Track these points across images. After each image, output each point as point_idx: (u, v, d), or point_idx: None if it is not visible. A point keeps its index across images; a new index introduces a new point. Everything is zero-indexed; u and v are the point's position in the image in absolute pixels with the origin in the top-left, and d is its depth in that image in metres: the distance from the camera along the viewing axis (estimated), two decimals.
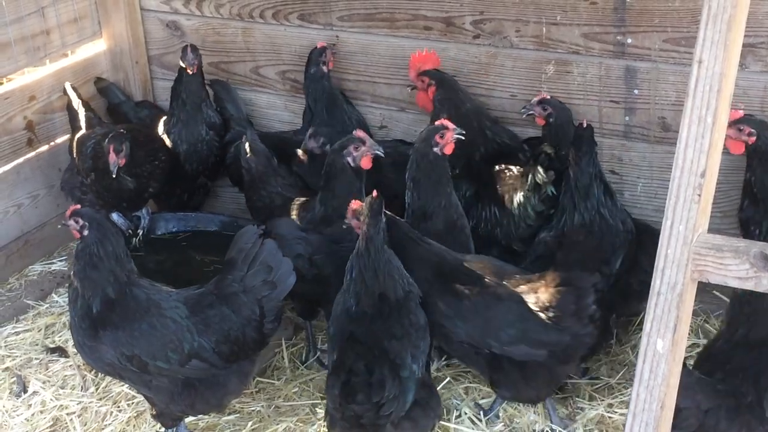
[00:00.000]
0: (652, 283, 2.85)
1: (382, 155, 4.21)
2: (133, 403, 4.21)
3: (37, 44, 5.14)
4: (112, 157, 4.50)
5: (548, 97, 4.44)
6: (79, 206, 3.83)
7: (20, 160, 5.11)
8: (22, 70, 5.32)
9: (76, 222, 3.73)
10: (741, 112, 3.99)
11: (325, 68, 4.92)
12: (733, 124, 3.95)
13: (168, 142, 5.04)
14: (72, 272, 3.75)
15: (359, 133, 4.23)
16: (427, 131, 4.13)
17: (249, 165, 4.57)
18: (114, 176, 4.56)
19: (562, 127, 4.39)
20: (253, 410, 4.17)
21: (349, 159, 4.17)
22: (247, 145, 4.55)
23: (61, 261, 5.25)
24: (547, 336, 3.65)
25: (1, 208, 5.05)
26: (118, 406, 4.22)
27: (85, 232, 3.71)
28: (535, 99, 4.43)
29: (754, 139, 3.97)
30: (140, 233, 4.98)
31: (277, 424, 4.07)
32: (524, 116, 4.50)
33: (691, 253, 2.75)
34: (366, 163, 4.18)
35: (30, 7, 5.07)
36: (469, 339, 3.75)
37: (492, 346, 3.72)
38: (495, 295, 3.72)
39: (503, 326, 3.70)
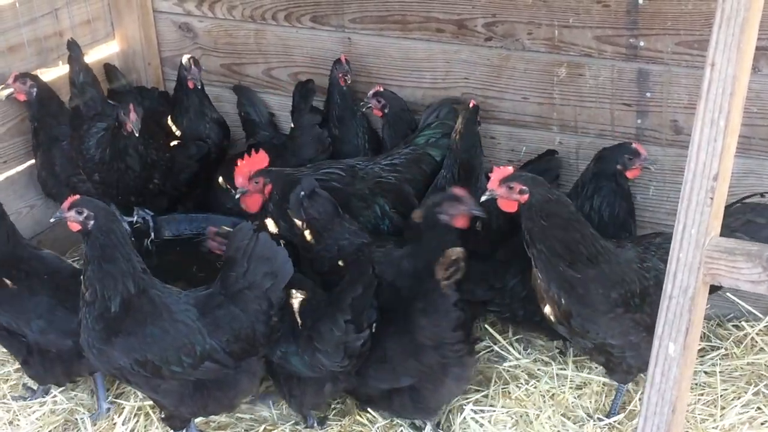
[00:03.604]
0: (663, 287, 2.84)
1: (481, 216, 4.02)
2: (144, 402, 4.22)
3: (50, 45, 5.16)
4: (133, 115, 4.47)
5: (382, 89, 4.82)
6: (78, 196, 3.60)
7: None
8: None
9: (79, 213, 3.52)
10: (510, 168, 3.65)
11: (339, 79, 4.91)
12: (503, 182, 3.57)
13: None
14: (83, 279, 3.62)
15: (458, 190, 4.05)
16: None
17: (311, 216, 4.18)
18: (137, 134, 4.51)
19: (397, 114, 4.85)
20: (261, 413, 4.18)
21: (444, 216, 4.02)
22: (303, 194, 4.17)
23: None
24: None
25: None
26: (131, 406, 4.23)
27: (91, 223, 3.53)
28: (371, 92, 4.81)
29: (526, 197, 3.54)
30: (152, 235, 4.98)
31: (285, 423, 4.09)
32: (364, 109, 4.89)
33: (704, 257, 2.75)
34: (460, 223, 4.03)
35: (44, 8, 5.09)
36: None
37: None
38: None
39: None
